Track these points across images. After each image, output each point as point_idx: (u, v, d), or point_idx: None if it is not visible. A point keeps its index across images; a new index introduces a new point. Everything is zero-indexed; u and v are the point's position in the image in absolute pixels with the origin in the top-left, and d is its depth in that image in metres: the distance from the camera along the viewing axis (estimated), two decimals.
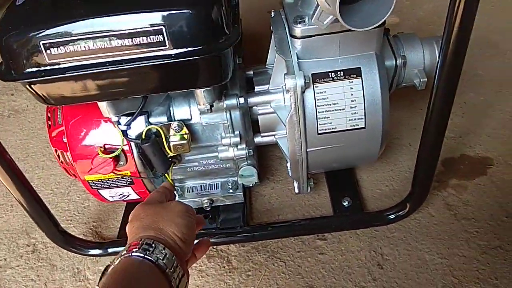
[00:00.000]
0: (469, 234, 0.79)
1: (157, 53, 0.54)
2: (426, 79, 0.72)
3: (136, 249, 0.46)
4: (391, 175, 0.92)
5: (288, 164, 0.75)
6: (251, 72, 0.78)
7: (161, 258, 0.46)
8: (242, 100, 0.69)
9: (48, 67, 0.55)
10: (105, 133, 0.69)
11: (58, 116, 0.73)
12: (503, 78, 1.09)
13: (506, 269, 0.73)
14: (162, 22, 0.52)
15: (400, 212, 0.80)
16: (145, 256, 0.46)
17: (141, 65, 0.54)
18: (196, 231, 0.55)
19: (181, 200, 0.81)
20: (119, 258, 0.46)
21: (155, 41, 0.53)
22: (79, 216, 0.92)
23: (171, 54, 0.54)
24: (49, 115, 0.75)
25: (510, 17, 1.26)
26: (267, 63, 0.78)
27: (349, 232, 0.82)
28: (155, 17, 0.52)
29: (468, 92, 1.06)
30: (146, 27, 0.52)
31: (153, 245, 0.47)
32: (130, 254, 0.46)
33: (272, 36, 0.71)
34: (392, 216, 0.80)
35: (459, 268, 0.74)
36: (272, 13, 0.74)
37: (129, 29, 0.52)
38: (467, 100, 1.05)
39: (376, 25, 0.51)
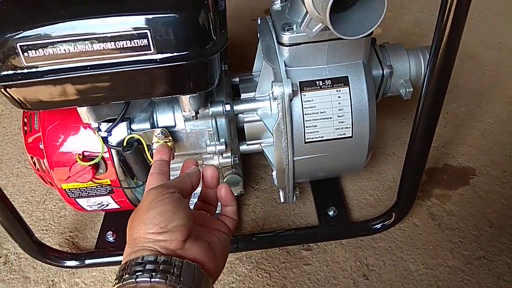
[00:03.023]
0: (453, 244, 0.79)
1: (141, 57, 0.52)
2: (412, 89, 0.72)
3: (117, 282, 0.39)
4: (376, 184, 0.91)
5: (274, 173, 0.73)
6: (237, 79, 0.77)
7: (139, 277, 0.39)
8: (228, 107, 0.68)
9: (25, 70, 0.52)
10: (84, 140, 0.66)
11: (35, 121, 0.69)
12: (483, 89, 1.11)
13: (490, 280, 0.73)
14: (147, 26, 0.50)
15: (386, 222, 0.79)
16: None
17: (124, 69, 0.52)
18: (189, 194, 0.48)
19: None
20: None
21: (139, 45, 0.51)
22: (55, 225, 0.89)
23: (156, 59, 0.52)
24: (25, 120, 0.71)
25: (489, 30, 1.29)
26: (253, 70, 0.77)
27: (334, 242, 0.81)
28: (140, 21, 0.50)
29: (450, 103, 1.07)
30: (130, 31, 0.50)
31: (127, 269, 0.40)
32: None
33: (259, 43, 0.70)
34: (378, 226, 0.80)
35: (444, 278, 0.74)
36: (259, 20, 0.73)
37: (112, 32, 0.50)
38: (449, 110, 1.06)
39: (366, 33, 0.51)
